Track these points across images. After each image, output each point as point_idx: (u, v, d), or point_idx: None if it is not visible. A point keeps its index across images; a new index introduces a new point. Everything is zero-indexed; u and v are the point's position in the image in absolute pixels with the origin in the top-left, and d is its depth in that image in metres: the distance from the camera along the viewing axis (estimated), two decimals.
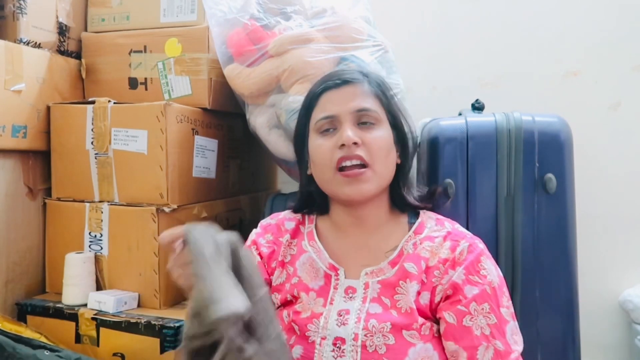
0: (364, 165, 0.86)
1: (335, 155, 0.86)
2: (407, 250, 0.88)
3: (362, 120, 0.88)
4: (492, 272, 0.84)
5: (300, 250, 0.93)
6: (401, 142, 0.93)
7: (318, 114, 0.90)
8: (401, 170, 0.93)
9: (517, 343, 0.82)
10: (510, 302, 0.85)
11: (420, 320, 0.82)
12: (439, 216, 0.95)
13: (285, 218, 0.99)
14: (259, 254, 0.94)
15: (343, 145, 0.86)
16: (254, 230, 1.00)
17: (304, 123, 0.94)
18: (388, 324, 0.81)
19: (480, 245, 0.87)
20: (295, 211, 1.00)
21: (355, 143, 0.85)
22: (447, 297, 0.83)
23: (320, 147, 0.89)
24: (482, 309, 0.81)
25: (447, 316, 0.82)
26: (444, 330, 0.82)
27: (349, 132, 0.85)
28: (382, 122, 0.90)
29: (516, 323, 0.83)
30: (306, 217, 0.98)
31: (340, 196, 0.89)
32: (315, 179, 0.93)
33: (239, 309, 0.65)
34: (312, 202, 0.97)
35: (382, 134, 0.89)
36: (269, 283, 0.93)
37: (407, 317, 0.82)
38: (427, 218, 0.93)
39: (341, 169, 0.86)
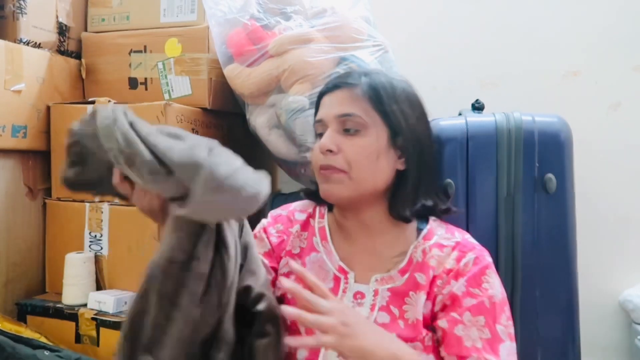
0: (340, 171, 0.85)
1: (319, 160, 0.87)
2: (417, 258, 0.86)
3: (346, 127, 0.85)
4: (495, 287, 0.82)
5: (311, 247, 0.92)
6: (404, 147, 0.86)
7: (315, 117, 0.91)
8: (403, 177, 0.87)
9: None
10: (511, 322, 0.82)
11: (424, 331, 0.81)
12: (449, 225, 0.92)
13: (295, 209, 0.98)
14: (269, 243, 0.94)
15: None
16: (264, 220, 0.99)
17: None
18: (393, 335, 0.79)
19: (488, 258, 0.86)
20: (307, 195, 0.98)
21: (330, 150, 0.84)
22: (445, 307, 0.82)
23: (314, 149, 0.90)
24: (477, 321, 0.79)
25: (441, 322, 0.81)
26: (439, 336, 0.81)
27: (325, 139, 0.85)
28: (368, 127, 0.84)
29: (514, 345, 0.80)
30: (317, 209, 0.97)
31: (320, 193, 0.89)
32: None
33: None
34: None
35: (365, 142, 0.84)
36: (276, 272, 0.92)
37: (413, 329, 0.80)
38: (437, 225, 0.91)
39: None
